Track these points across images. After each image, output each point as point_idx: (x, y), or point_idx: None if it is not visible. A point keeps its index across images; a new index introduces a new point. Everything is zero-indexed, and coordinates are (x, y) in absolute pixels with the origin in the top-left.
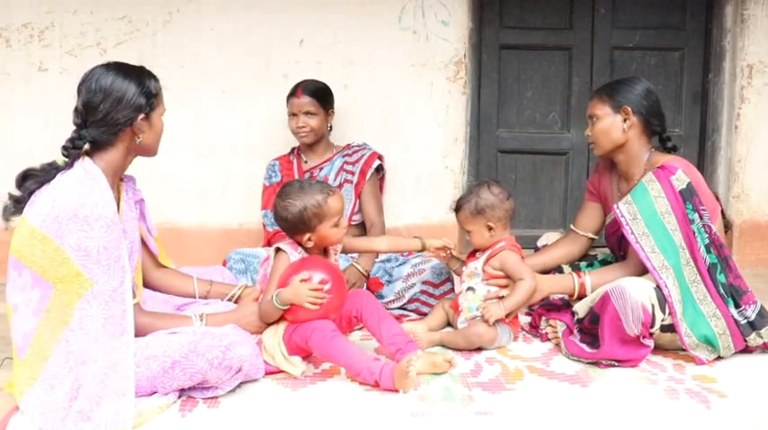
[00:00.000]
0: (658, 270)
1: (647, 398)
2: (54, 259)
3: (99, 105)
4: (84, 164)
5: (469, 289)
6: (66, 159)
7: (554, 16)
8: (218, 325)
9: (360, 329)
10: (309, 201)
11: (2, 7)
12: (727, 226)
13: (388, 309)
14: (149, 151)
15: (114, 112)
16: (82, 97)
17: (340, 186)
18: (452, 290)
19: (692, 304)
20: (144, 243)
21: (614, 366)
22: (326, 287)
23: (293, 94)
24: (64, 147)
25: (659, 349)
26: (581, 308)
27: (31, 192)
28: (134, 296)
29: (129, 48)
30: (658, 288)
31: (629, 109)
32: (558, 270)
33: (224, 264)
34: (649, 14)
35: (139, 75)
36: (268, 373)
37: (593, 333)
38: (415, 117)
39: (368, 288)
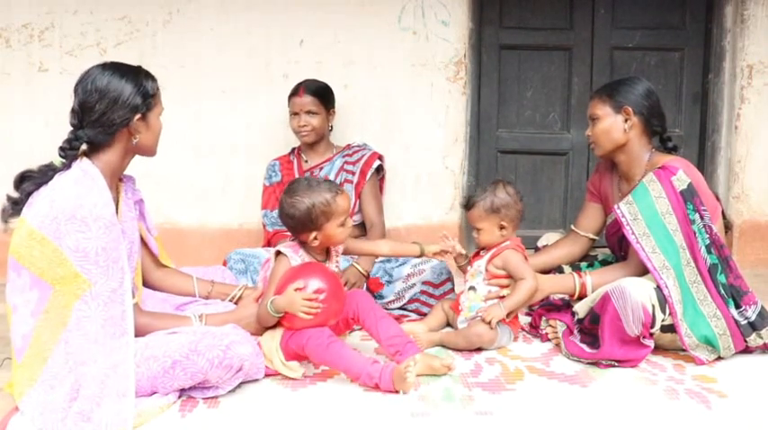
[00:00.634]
0: (659, 270)
1: (647, 399)
2: (52, 260)
3: (95, 106)
4: (82, 164)
5: (471, 288)
6: (63, 160)
7: (554, 16)
8: (218, 325)
9: (360, 329)
10: (318, 199)
11: (2, 7)
12: (728, 226)
13: (388, 309)
14: (148, 151)
15: (110, 113)
16: (78, 98)
17: (340, 186)
18: (452, 290)
19: (692, 304)
20: (144, 243)
21: (614, 366)
22: (322, 296)
23: (295, 93)
24: (61, 148)
25: (659, 349)
26: (581, 308)
27: (29, 194)
28: (133, 296)
29: (129, 48)
30: (659, 288)
31: (630, 109)
32: (559, 270)
33: (224, 265)
34: (649, 14)
35: (136, 75)
36: (268, 374)
37: (593, 333)
38: (415, 117)
39: (368, 288)
